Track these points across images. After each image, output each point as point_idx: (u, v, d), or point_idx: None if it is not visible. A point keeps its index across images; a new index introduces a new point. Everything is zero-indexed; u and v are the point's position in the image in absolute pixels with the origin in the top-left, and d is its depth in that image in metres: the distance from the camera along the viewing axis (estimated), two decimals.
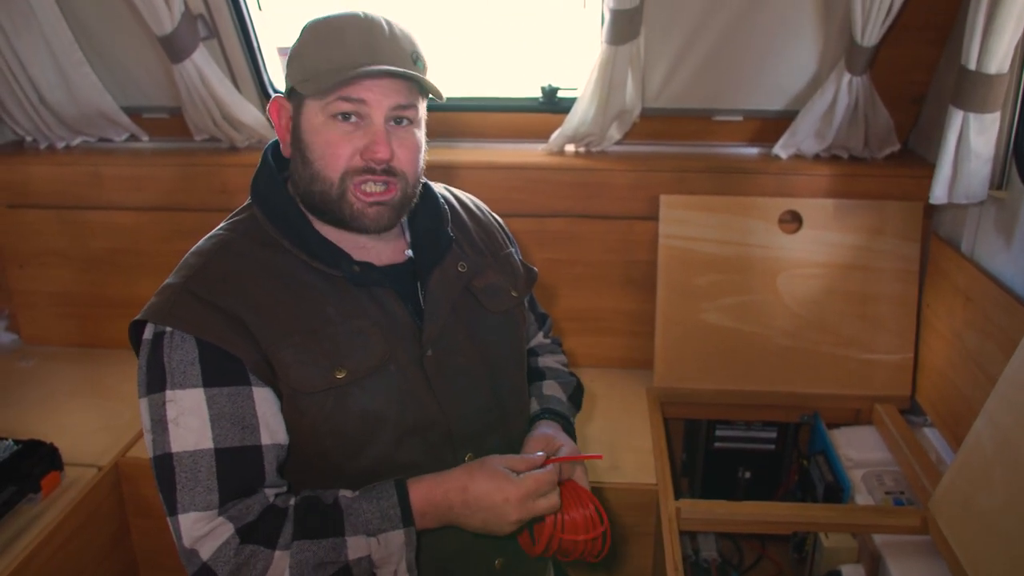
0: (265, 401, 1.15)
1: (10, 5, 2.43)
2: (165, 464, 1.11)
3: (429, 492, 1.16)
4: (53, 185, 2.71)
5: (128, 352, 1.23)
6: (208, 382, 1.12)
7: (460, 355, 1.29)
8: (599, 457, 1.35)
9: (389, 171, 1.19)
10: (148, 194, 2.68)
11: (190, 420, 1.11)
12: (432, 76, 1.24)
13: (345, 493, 1.16)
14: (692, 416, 2.63)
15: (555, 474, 1.20)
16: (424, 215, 1.34)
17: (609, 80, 2.35)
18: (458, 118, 2.66)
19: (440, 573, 1.28)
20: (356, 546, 1.11)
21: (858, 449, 2.33)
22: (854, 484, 2.20)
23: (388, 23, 1.19)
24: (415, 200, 1.29)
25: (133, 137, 2.84)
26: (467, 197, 1.50)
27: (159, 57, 2.50)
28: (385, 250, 1.30)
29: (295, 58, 1.20)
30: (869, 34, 2.13)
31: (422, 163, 1.26)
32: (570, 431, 1.41)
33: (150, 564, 2.31)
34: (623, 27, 2.25)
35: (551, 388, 1.51)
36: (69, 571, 2.01)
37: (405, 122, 1.21)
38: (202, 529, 1.09)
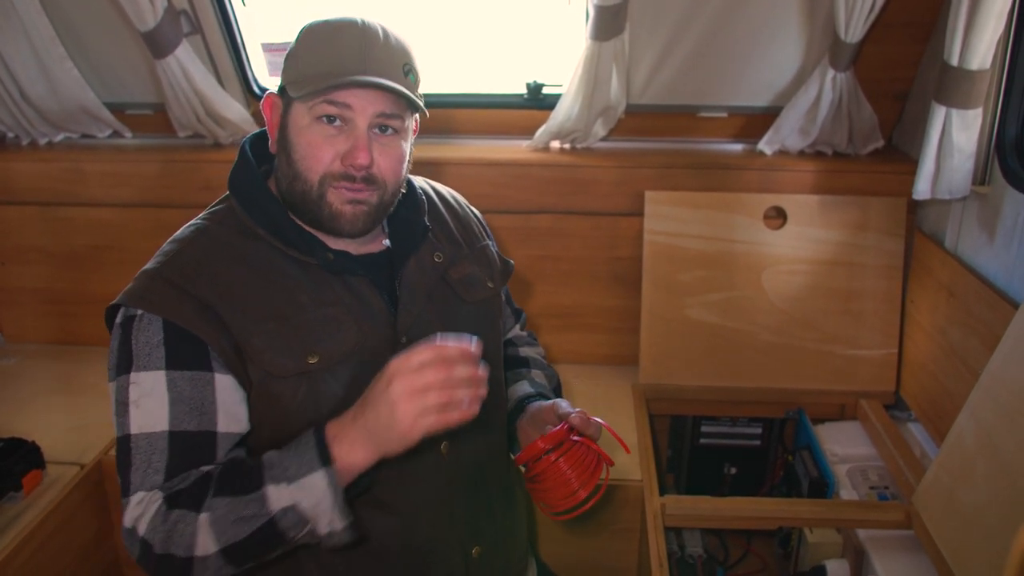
0: (226, 389, 1.16)
1: None
2: (123, 446, 1.13)
3: (341, 418, 1.10)
4: (35, 182, 2.69)
5: None
6: (170, 365, 1.13)
7: None
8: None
9: (368, 179, 1.20)
10: (131, 191, 2.66)
11: (149, 402, 1.12)
12: (423, 82, 1.24)
13: (272, 452, 1.12)
14: (677, 412, 2.63)
15: (437, 348, 1.05)
16: (401, 205, 1.34)
17: (594, 76, 2.34)
18: (443, 114, 2.64)
19: (416, 562, 1.28)
20: (277, 496, 1.06)
21: (843, 444, 2.34)
22: (839, 479, 2.21)
23: (384, 31, 1.19)
24: (392, 208, 1.29)
25: (116, 133, 2.81)
26: (446, 190, 1.51)
27: (142, 53, 2.48)
28: (363, 239, 1.31)
29: (290, 58, 1.21)
30: (853, 31, 2.13)
31: (404, 174, 1.27)
32: None
33: (134, 562, 2.28)
34: (607, 23, 2.24)
35: (539, 376, 1.51)
36: (52, 569, 2.00)
37: (390, 131, 1.21)
38: (140, 507, 1.10)
